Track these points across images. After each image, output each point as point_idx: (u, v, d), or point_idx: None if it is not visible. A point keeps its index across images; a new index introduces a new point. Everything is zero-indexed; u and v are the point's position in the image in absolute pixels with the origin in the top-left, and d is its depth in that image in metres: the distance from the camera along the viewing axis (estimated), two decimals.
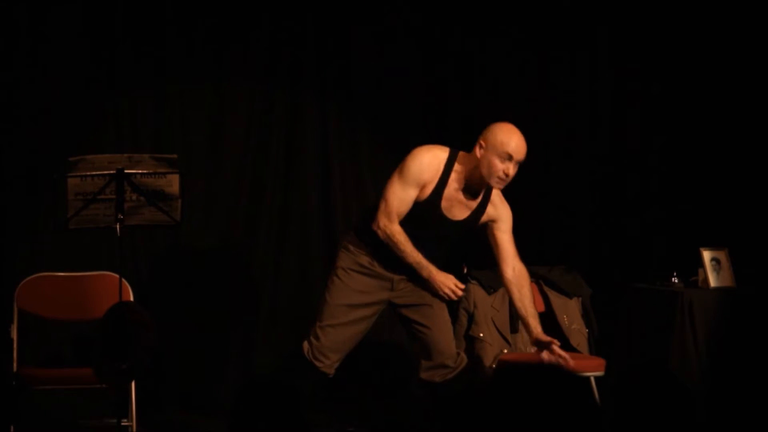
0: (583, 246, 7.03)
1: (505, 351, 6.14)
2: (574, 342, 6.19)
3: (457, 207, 5.10)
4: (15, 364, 5.69)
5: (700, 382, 5.62)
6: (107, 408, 5.72)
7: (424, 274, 5.07)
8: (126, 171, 5.12)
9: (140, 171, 5.17)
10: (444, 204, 5.07)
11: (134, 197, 5.17)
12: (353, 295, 5.16)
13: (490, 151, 4.99)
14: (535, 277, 6.36)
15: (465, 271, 6.32)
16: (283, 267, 6.81)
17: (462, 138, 6.94)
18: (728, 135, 6.90)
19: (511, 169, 5.01)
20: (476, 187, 5.09)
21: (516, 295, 5.18)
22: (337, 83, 6.87)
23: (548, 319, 6.31)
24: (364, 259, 5.16)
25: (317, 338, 5.15)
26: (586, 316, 6.31)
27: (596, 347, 6.23)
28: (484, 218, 5.17)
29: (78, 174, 5.13)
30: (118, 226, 5.10)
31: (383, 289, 5.18)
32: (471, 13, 6.94)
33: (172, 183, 5.23)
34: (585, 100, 7.09)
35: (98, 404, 5.88)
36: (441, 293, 5.11)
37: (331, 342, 5.15)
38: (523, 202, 6.98)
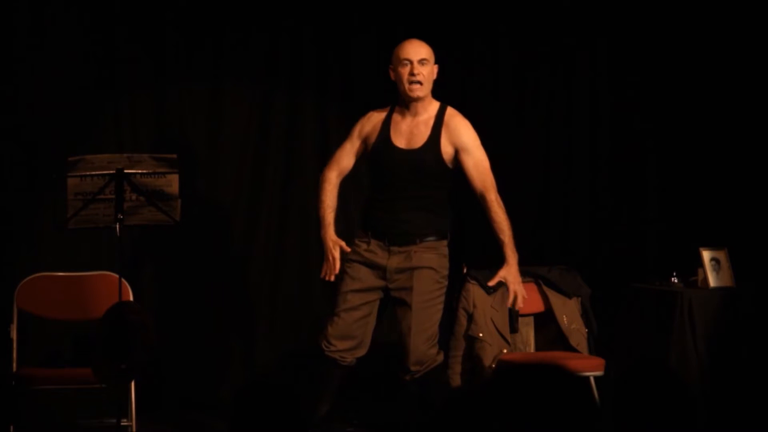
0: (583, 246, 7.03)
1: (505, 351, 6.14)
2: (573, 342, 6.19)
3: (411, 137, 5.28)
4: (15, 364, 5.69)
5: (700, 382, 5.62)
6: (107, 408, 5.72)
7: (321, 233, 5.36)
8: (126, 171, 5.13)
9: (140, 171, 5.17)
10: (395, 138, 5.29)
11: (134, 197, 5.17)
12: (353, 283, 5.35)
13: (396, 67, 5.31)
14: (534, 277, 6.36)
15: (465, 271, 6.32)
16: (283, 267, 6.81)
17: None
18: (728, 135, 6.89)
19: (416, 68, 5.25)
20: (417, 111, 5.30)
21: (490, 223, 5.35)
22: (337, 83, 6.87)
23: (548, 319, 6.31)
24: (363, 247, 5.34)
25: (326, 327, 5.39)
26: (585, 315, 6.31)
27: (596, 347, 6.22)
28: (446, 144, 5.27)
29: (78, 174, 5.13)
30: (117, 226, 5.11)
31: (378, 277, 5.33)
32: (471, 15, 6.94)
33: (172, 183, 5.23)
34: (585, 100, 7.08)
35: (98, 404, 5.88)
36: (325, 253, 5.36)
37: (336, 329, 5.35)
38: (524, 203, 7.00)
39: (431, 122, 5.29)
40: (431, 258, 5.33)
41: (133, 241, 6.47)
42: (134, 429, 5.67)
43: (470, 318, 6.19)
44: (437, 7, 6.90)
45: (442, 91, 6.96)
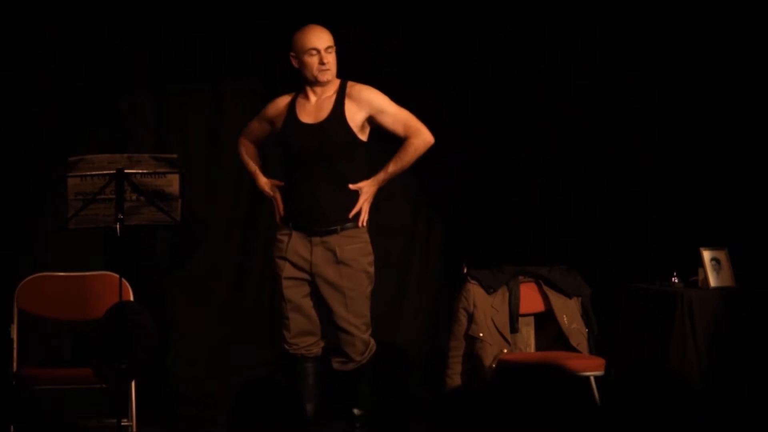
0: (583, 246, 7.03)
1: (505, 351, 6.14)
2: (574, 342, 6.19)
3: (318, 113, 5.35)
4: (15, 364, 5.69)
5: (700, 382, 5.62)
6: (107, 408, 5.72)
7: (256, 183, 5.52)
8: (126, 171, 5.13)
9: (140, 171, 5.18)
10: (302, 116, 5.36)
11: (134, 197, 5.18)
12: (285, 281, 5.38)
13: (300, 56, 5.37)
14: (534, 277, 6.36)
15: (465, 271, 6.33)
16: None
17: (461, 141, 6.97)
18: (728, 135, 6.89)
19: (325, 57, 5.33)
20: (323, 91, 5.37)
21: (394, 157, 5.42)
22: None
23: (548, 319, 6.31)
24: (285, 242, 5.36)
25: (281, 333, 5.43)
26: (585, 315, 6.31)
27: (596, 347, 6.22)
28: (353, 113, 5.34)
29: (78, 174, 5.13)
30: (118, 226, 5.11)
31: (304, 270, 5.35)
32: (471, 15, 6.94)
33: (172, 183, 5.24)
34: (585, 100, 7.08)
35: (98, 404, 5.88)
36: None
37: (291, 331, 5.39)
38: (524, 203, 7.00)
39: (334, 97, 5.37)
40: (353, 250, 5.37)
41: (133, 241, 6.47)
42: (134, 429, 5.67)
43: (470, 318, 6.19)
44: (436, 7, 6.90)
45: (441, 88, 6.99)
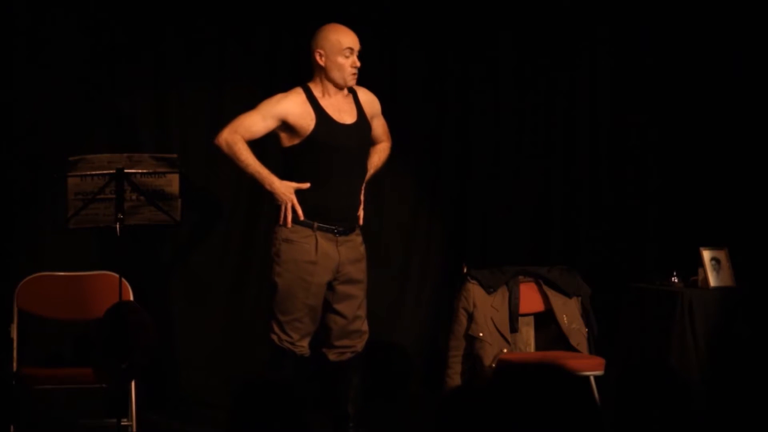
0: (583, 246, 7.03)
1: (505, 351, 6.14)
2: (573, 342, 6.19)
3: (345, 114, 5.30)
4: (15, 364, 5.69)
5: (700, 382, 5.63)
6: (107, 408, 5.72)
7: (266, 185, 5.25)
8: (126, 171, 5.14)
9: (140, 171, 5.18)
10: (334, 116, 5.26)
11: (134, 197, 5.18)
12: (306, 285, 5.25)
13: (332, 54, 5.26)
14: (534, 276, 6.37)
15: (465, 271, 6.33)
16: None
17: (461, 142, 6.98)
18: (728, 135, 6.89)
19: (357, 61, 5.28)
20: (341, 93, 5.30)
21: (372, 159, 5.44)
22: None
23: (548, 319, 6.31)
24: (311, 243, 5.24)
25: (287, 332, 5.30)
26: (585, 315, 6.31)
27: (596, 347, 6.23)
28: (369, 114, 5.38)
29: (78, 174, 5.14)
30: (118, 226, 5.11)
31: (328, 274, 5.28)
32: (471, 13, 6.94)
33: (172, 183, 5.24)
34: (585, 101, 7.08)
35: (98, 404, 5.88)
36: (281, 203, 5.22)
37: (300, 332, 5.29)
38: (524, 203, 7.01)
39: (350, 97, 5.35)
40: (364, 247, 5.42)
41: (133, 241, 6.47)
42: (134, 429, 5.66)
43: (470, 317, 6.19)
44: (437, 7, 6.90)
45: (442, 89, 6.99)
